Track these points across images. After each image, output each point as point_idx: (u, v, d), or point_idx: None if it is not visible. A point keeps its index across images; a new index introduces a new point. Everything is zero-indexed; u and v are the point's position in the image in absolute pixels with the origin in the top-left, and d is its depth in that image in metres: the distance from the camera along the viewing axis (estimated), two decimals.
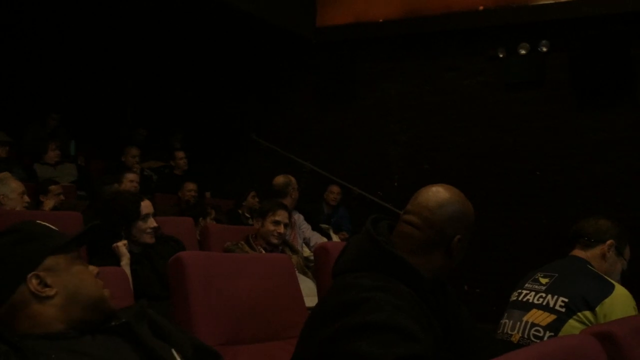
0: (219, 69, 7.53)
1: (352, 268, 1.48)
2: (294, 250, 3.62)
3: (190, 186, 5.72)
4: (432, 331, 1.36)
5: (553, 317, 2.01)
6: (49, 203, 4.49)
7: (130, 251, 2.74)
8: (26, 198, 3.85)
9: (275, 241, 3.46)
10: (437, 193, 1.52)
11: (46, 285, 1.24)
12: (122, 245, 2.70)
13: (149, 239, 2.80)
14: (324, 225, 5.40)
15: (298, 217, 4.49)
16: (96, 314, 1.28)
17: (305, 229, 4.48)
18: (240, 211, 5.64)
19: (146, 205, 2.83)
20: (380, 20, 6.60)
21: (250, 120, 7.37)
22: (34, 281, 1.23)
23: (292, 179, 4.47)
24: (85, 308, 1.26)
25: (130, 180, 4.71)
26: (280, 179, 4.45)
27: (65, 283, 1.26)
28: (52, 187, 4.61)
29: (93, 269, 1.36)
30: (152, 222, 2.82)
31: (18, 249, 1.26)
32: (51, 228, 1.35)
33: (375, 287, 1.38)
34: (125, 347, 1.24)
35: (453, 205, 1.50)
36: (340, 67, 6.83)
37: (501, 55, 6.05)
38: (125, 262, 2.67)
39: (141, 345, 1.24)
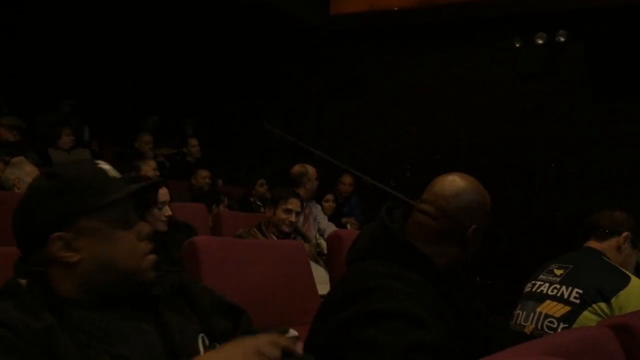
0: (231, 57, 7.52)
1: (365, 256, 1.48)
2: (306, 239, 3.63)
3: (204, 173, 5.73)
4: (444, 320, 1.36)
5: (567, 308, 2.00)
6: None
7: None
8: None
9: (286, 229, 3.45)
10: (454, 182, 1.49)
11: (71, 249, 1.05)
12: None
13: (162, 227, 2.79)
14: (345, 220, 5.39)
15: (315, 208, 4.43)
16: (126, 286, 1.10)
17: (322, 219, 4.43)
18: (251, 199, 5.65)
19: (163, 193, 2.81)
20: (395, 9, 6.54)
21: (261, 109, 7.36)
22: (58, 243, 1.05)
23: (309, 169, 4.34)
24: (114, 281, 1.08)
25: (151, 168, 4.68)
26: (296, 168, 4.35)
27: (96, 250, 1.07)
28: None
29: (142, 227, 1.13)
30: (167, 211, 2.80)
31: (50, 202, 1.07)
32: (105, 177, 1.12)
33: (388, 275, 1.37)
34: (149, 328, 1.09)
35: (469, 194, 1.48)
36: (352, 56, 6.80)
37: (517, 45, 5.99)
38: None
39: (164, 329, 1.10)
